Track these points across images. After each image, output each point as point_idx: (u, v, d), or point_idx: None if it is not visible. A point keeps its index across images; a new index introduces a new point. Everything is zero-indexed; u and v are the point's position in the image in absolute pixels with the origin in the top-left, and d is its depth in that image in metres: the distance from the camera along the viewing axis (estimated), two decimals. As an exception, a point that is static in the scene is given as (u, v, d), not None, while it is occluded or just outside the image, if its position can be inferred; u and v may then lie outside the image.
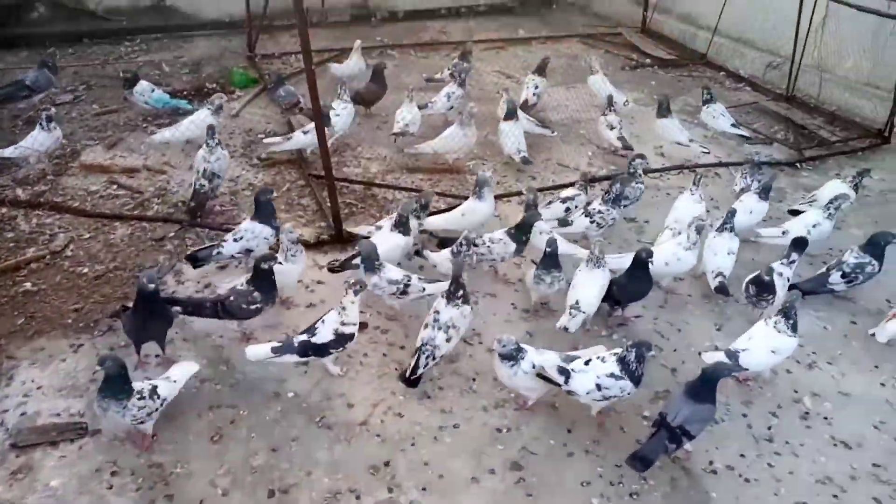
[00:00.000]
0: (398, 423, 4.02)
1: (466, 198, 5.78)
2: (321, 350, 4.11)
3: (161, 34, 9.96)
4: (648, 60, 10.40)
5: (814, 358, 4.67)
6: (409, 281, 4.63)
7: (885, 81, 7.92)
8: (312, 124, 6.56)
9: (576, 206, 5.80)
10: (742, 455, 3.92)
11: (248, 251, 4.92)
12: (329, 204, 5.66)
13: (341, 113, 6.93)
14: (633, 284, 4.70)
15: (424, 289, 4.64)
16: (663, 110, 7.29)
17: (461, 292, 4.26)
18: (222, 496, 3.55)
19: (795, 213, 5.99)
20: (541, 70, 7.97)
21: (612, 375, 3.80)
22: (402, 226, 4.99)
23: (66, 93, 7.90)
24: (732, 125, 7.60)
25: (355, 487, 3.63)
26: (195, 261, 4.85)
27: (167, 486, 3.59)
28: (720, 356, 4.20)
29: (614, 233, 5.80)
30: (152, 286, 4.06)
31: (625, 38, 11.25)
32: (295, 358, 4.09)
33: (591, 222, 5.49)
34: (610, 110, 7.35)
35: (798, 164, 7.42)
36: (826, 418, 4.20)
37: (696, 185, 5.70)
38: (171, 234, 5.57)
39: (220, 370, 4.31)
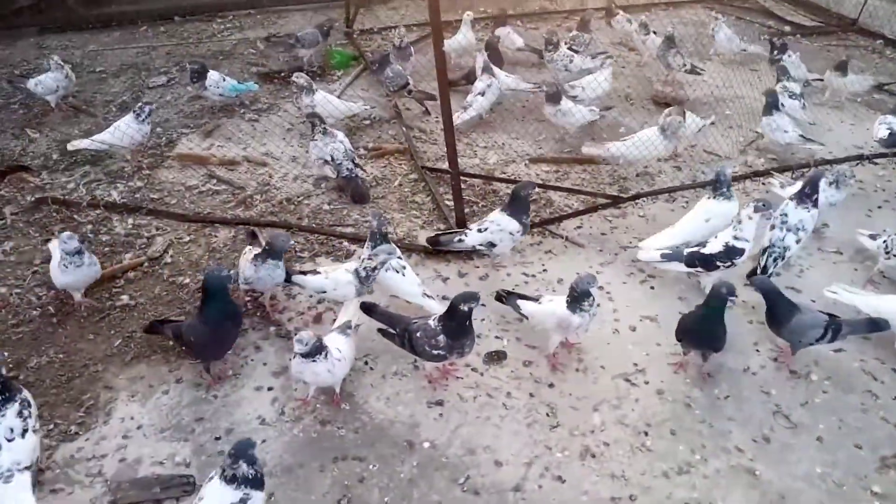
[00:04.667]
0: (559, 490, 3.27)
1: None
2: (708, 261, 4.20)
3: (253, 9, 9.38)
4: (788, 28, 9.16)
5: None
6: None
7: None
8: (484, 85, 6.35)
9: None
10: None
11: (491, 245, 4.56)
12: (450, 202, 4.97)
13: (485, 91, 6.36)
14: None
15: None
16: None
17: (815, 196, 4.38)
18: (355, 581, 2.92)
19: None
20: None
21: None
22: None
23: (159, 75, 7.42)
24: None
25: (516, 578, 2.92)
26: (436, 245, 4.71)
27: (289, 564, 2.98)
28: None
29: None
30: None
31: (757, 2, 9.99)
32: (681, 267, 4.28)
33: None
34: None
35: None
36: None
37: None
38: (277, 238, 4.95)
39: (343, 410, 3.66)
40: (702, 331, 3.74)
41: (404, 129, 6.36)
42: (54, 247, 4.19)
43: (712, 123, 6.21)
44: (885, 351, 4.02)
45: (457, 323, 3.56)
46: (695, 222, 4.63)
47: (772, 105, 5.88)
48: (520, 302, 4.03)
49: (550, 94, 6.08)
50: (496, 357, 4.02)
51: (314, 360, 3.40)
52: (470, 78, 6.90)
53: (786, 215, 4.40)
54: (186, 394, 3.74)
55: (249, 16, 9.23)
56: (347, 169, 5.30)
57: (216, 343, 3.72)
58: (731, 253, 4.22)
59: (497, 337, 4.17)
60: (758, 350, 4.04)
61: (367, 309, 3.91)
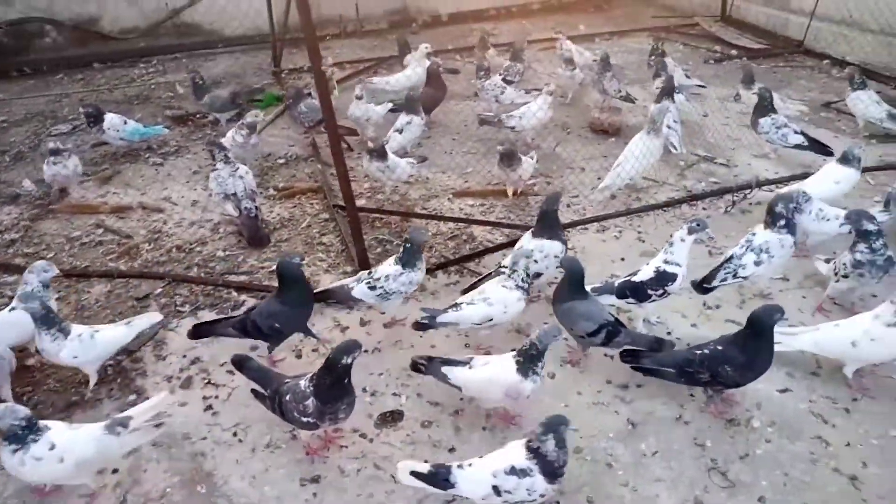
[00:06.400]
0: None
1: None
2: (639, 291, 3.77)
3: (180, 53, 9.01)
4: (735, 52, 8.91)
5: None
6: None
7: None
8: (403, 122, 5.92)
9: None
10: None
11: (538, 275, 4.03)
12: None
13: (403, 128, 5.93)
14: None
15: None
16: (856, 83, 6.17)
17: (784, 223, 3.95)
18: None
19: None
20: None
21: None
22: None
23: (65, 122, 6.94)
24: (890, 115, 6.13)
25: None
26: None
27: None
28: None
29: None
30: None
31: (703, 29, 9.79)
32: (613, 299, 3.82)
33: None
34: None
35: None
36: None
37: None
38: (158, 291, 4.40)
39: (197, 493, 3.06)
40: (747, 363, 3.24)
41: (320, 166, 5.89)
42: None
43: (535, 161, 5.57)
44: (837, 387, 3.50)
45: (333, 381, 3.01)
46: (823, 182, 4.78)
47: (664, 92, 6.01)
48: (446, 369, 3.29)
49: (375, 150, 5.17)
50: (391, 418, 3.45)
51: (8, 445, 2.79)
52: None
53: (754, 234, 4.04)
54: (9, 486, 3.12)
55: (175, 59, 8.88)
56: (245, 208, 4.80)
57: (298, 323, 3.71)
58: (662, 279, 3.75)
59: (395, 394, 3.60)
60: (692, 395, 3.50)
61: (239, 364, 3.34)
